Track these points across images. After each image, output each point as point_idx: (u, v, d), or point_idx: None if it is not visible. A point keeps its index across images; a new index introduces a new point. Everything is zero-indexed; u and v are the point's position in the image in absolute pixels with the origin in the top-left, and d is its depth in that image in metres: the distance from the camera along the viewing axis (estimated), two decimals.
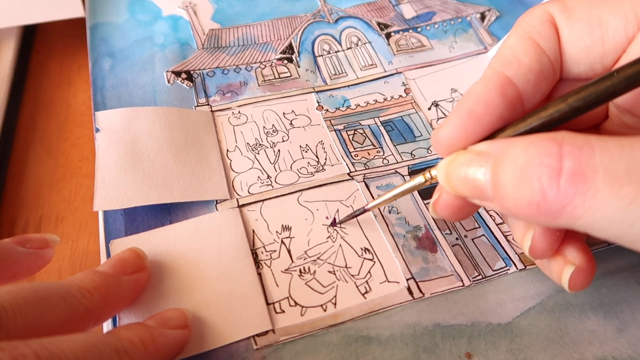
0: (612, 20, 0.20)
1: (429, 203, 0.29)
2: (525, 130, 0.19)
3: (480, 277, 0.26)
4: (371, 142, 0.32)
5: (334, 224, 0.28)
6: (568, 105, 0.18)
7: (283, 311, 0.25)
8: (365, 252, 0.27)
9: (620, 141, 0.16)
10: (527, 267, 0.27)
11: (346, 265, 0.26)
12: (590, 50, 0.21)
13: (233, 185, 0.30)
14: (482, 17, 0.41)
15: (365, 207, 0.27)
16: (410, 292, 0.26)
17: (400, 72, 0.37)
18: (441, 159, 0.22)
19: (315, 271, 0.26)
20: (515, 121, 0.20)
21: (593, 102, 0.18)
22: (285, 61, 0.37)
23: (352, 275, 0.26)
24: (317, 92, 0.35)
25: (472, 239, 0.28)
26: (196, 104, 0.34)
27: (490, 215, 0.29)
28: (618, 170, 0.15)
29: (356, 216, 0.27)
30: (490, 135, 0.20)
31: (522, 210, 0.17)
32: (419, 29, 0.40)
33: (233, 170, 0.30)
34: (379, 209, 0.29)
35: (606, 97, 0.18)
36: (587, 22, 0.21)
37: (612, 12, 0.20)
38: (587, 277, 0.21)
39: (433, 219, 0.28)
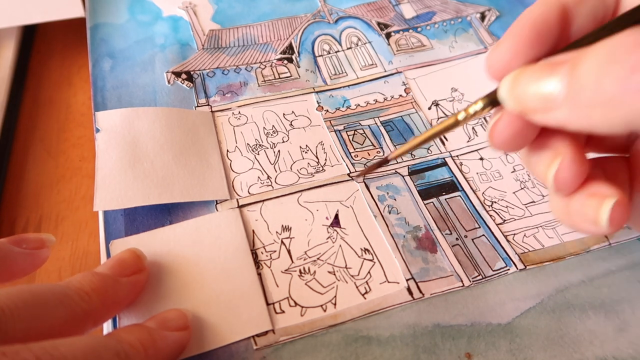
0: None
1: (429, 204, 0.29)
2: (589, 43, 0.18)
3: (480, 277, 0.26)
4: (371, 142, 0.32)
5: (334, 224, 0.28)
6: (611, 31, 0.17)
7: (283, 311, 0.25)
8: (365, 253, 0.27)
9: None
10: (527, 267, 0.27)
11: (346, 265, 0.26)
12: None
13: (233, 186, 0.30)
14: (482, 17, 0.41)
15: (388, 157, 0.24)
16: (410, 293, 0.26)
17: (400, 72, 0.37)
18: None
19: (315, 271, 0.26)
20: (576, 41, 0.19)
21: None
22: (285, 61, 0.37)
23: (352, 276, 0.26)
24: (317, 92, 0.35)
25: (472, 239, 0.28)
26: (196, 105, 0.34)
27: (490, 216, 0.29)
28: None
29: (379, 166, 0.25)
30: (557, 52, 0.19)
31: (603, 94, 0.16)
32: (419, 29, 0.40)
33: (233, 171, 0.30)
34: (379, 209, 0.29)
35: None
36: None
37: None
38: (628, 210, 0.19)
39: (433, 218, 0.28)
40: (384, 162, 0.25)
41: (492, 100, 0.20)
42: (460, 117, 0.21)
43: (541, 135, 0.20)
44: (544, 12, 0.19)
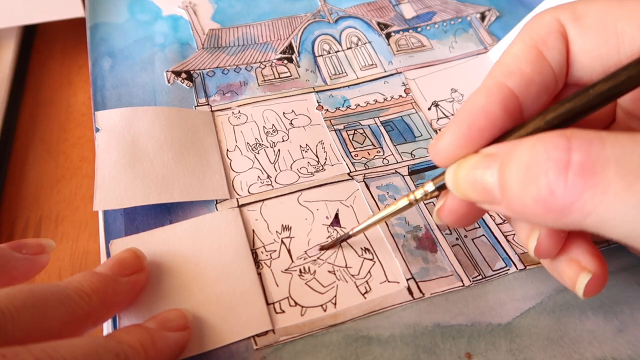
0: (627, 29, 0.19)
1: (429, 203, 0.29)
2: (533, 130, 0.19)
3: (480, 277, 0.26)
4: (371, 142, 0.32)
5: (334, 223, 0.28)
6: (546, 122, 0.19)
7: (283, 311, 0.25)
8: (365, 252, 0.27)
9: (633, 135, 0.15)
10: (527, 267, 0.27)
11: (346, 265, 0.26)
12: (604, 59, 0.20)
13: (233, 185, 0.30)
14: (482, 17, 0.41)
15: (350, 233, 0.26)
16: (410, 292, 0.26)
17: (400, 72, 0.37)
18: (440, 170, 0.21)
19: (315, 271, 0.26)
20: (522, 124, 0.20)
21: (570, 118, 0.18)
22: (285, 61, 0.37)
23: (352, 275, 0.26)
24: (317, 92, 0.35)
25: (472, 239, 0.28)
26: (196, 104, 0.34)
27: (490, 216, 0.29)
28: (631, 164, 0.14)
29: (341, 242, 0.27)
30: (499, 139, 0.20)
31: (530, 209, 0.16)
32: (419, 29, 0.40)
33: (233, 170, 0.30)
34: (379, 208, 0.29)
35: (583, 113, 0.18)
36: (601, 31, 0.20)
37: (628, 20, 0.19)
38: (603, 283, 0.20)
39: (433, 218, 0.28)
40: (347, 237, 0.26)
41: (442, 184, 0.21)
42: (412, 198, 0.23)
43: None
44: (485, 105, 0.20)
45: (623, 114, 0.22)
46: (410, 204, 0.23)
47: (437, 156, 0.21)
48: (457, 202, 0.21)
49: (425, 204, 0.29)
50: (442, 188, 0.22)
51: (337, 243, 0.27)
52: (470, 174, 0.19)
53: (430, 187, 0.22)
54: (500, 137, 0.20)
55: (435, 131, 0.33)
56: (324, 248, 0.27)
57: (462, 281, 0.26)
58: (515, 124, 0.20)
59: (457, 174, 0.20)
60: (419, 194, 0.23)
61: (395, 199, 0.29)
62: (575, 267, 0.21)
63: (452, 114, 0.34)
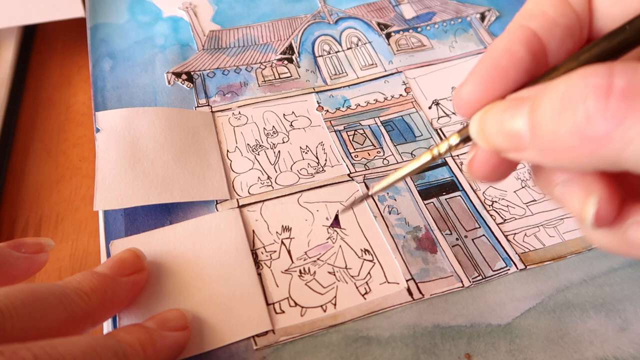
0: None
1: (429, 204, 0.29)
2: (565, 72, 0.17)
3: (480, 277, 0.26)
4: (371, 142, 0.32)
5: (334, 224, 0.28)
6: (580, 63, 0.17)
7: (283, 311, 0.25)
8: (365, 253, 0.27)
9: None
10: (528, 267, 0.27)
11: (346, 266, 0.26)
12: (626, 5, 0.19)
13: (233, 186, 0.30)
14: (482, 17, 0.40)
15: (370, 192, 0.24)
16: (410, 293, 0.25)
17: (401, 72, 0.37)
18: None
19: (315, 272, 0.26)
20: (551, 69, 0.19)
21: (605, 58, 0.17)
22: (286, 62, 0.37)
23: (352, 276, 0.26)
24: (317, 92, 0.35)
25: (472, 239, 0.28)
26: (196, 105, 0.34)
27: (491, 215, 0.29)
28: None
29: (361, 202, 0.25)
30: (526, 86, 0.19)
31: (563, 144, 0.15)
32: (419, 29, 0.40)
33: (233, 171, 0.30)
34: (379, 209, 0.29)
35: (619, 52, 0.17)
36: None
37: None
38: None
39: (433, 218, 0.28)
40: (366, 197, 0.24)
41: (467, 136, 0.20)
42: (436, 152, 0.21)
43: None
44: (508, 45, 0.19)
45: None
46: (433, 159, 0.21)
47: (460, 103, 0.20)
48: (487, 153, 0.20)
49: (425, 204, 0.29)
50: (467, 140, 0.20)
51: (356, 204, 0.25)
52: (497, 120, 0.18)
53: (454, 140, 0.20)
54: (528, 84, 0.19)
55: (436, 130, 0.33)
56: (344, 211, 0.26)
57: (461, 282, 0.26)
58: (540, 68, 0.19)
59: (482, 121, 0.19)
60: (443, 147, 0.21)
61: (395, 199, 0.29)
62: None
63: (453, 113, 0.34)
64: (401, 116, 0.34)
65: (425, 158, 0.21)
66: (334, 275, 0.26)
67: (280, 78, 0.36)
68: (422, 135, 0.33)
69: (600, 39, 0.17)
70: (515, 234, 0.28)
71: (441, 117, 0.34)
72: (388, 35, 0.39)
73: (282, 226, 0.28)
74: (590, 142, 0.15)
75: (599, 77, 0.14)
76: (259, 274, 0.26)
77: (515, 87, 0.19)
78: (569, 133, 0.15)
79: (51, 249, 0.24)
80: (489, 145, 0.19)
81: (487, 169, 0.20)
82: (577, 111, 0.15)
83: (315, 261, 0.26)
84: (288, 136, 0.32)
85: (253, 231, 0.28)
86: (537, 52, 0.19)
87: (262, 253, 0.27)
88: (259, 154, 0.31)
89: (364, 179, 0.30)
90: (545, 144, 0.16)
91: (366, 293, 0.25)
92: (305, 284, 0.26)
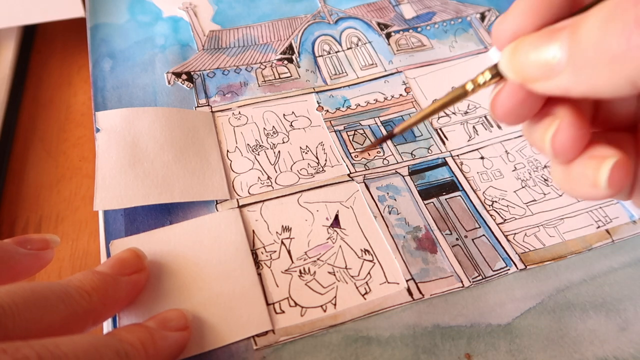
0: None
1: (429, 204, 0.29)
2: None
3: (480, 277, 0.26)
4: (371, 142, 0.32)
5: (334, 224, 0.28)
6: None
7: (283, 311, 0.25)
8: (365, 253, 0.27)
9: None
10: (528, 267, 0.27)
11: (346, 266, 0.26)
12: None
13: (233, 186, 0.30)
14: (482, 17, 0.41)
15: (395, 131, 0.22)
16: (410, 293, 0.26)
17: (401, 72, 0.37)
18: None
19: (315, 272, 0.26)
20: (584, 7, 0.18)
21: None
22: (286, 62, 0.37)
23: (352, 276, 0.26)
24: (317, 92, 0.35)
25: (472, 239, 0.28)
26: (196, 105, 0.34)
27: (491, 215, 0.29)
28: None
29: (384, 141, 0.23)
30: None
31: (609, 51, 0.15)
32: (419, 29, 0.40)
33: (233, 171, 0.30)
34: (379, 209, 0.29)
35: None
36: None
37: None
38: (627, 172, 0.18)
39: (433, 218, 0.28)
40: (390, 136, 0.23)
41: (500, 71, 0.19)
42: (469, 87, 0.20)
43: (544, 106, 0.20)
44: None
45: None
46: (465, 93, 0.20)
47: (498, 37, 0.19)
48: (512, 88, 0.20)
49: (425, 204, 0.29)
50: (498, 75, 0.20)
51: (379, 142, 0.24)
52: (531, 49, 0.18)
53: (487, 74, 0.20)
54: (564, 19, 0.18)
55: (436, 130, 0.33)
56: (365, 150, 0.24)
57: (461, 282, 0.26)
58: (579, 5, 0.18)
59: (515, 52, 0.18)
60: (480, 79, 0.20)
61: (395, 199, 0.29)
62: (598, 159, 0.19)
63: (453, 113, 0.34)
64: (401, 116, 0.34)
65: (458, 92, 0.20)
66: (334, 275, 0.26)
67: (280, 78, 0.36)
68: (422, 135, 0.33)
69: None
70: (515, 234, 0.28)
71: (441, 117, 0.34)
72: (388, 35, 0.39)
73: (282, 226, 0.28)
74: (636, 47, 0.14)
75: None
76: (259, 274, 0.26)
77: (554, 21, 0.18)
78: (614, 40, 0.15)
79: (56, 246, 0.24)
80: (519, 75, 0.18)
81: (510, 106, 0.20)
82: (626, 18, 0.14)
83: (315, 261, 0.27)
84: (288, 136, 0.32)
85: (253, 231, 0.28)
86: None
87: (262, 253, 0.27)
88: (259, 154, 0.31)
89: (364, 179, 0.30)
90: (585, 60, 0.16)
91: (366, 293, 0.25)
92: (305, 284, 0.26)
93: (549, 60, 0.17)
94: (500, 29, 0.19)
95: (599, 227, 0.28)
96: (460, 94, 0.20)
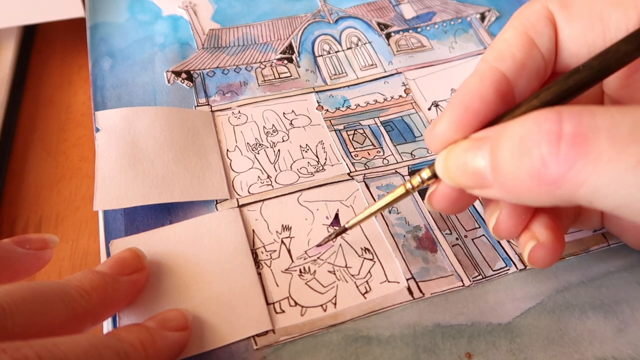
0: (613, 16, 0.20)
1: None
2: (526, 110, 0.19)
3: (480, 277, 0.26)
4: (371, 142, 0.32)
5: (334, 223, 0.28)
6: (540, 100, 0.19)
7: (283, 311, 0.25)
8: (366, 252, 0.27)
9: (621, 107, 0.15)
10: (528, 267, 0.27)
11: (346, 265, 0.26)
12: (591, 46, 0.21)
13: (233, 185, 0.30)
14: (482, 18, 0.41)
15: (346, 225, 0.25)
16: (411, 292, 0.26)
17: (400, 72, 0.37)
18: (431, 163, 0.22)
19: (315, 271, 0.26)
20: (514, 107, 0.20)
21: (564, 96, 0.19)
22: (285, 61, 0.37)
23: (352, 275, 0.26)
24: (317, 92, 0.35)
25: (472, 239, 0.28)
26: (196, 104, 0.34)
27: None
28: (621, 130, 0.15)
29: (337, 236, 0.26)
30: (490, 124, 0.20)
31: (523, 184, 0.17)
32: (419, 29, 0.40)
33: (233, 170, 0.30)
34: None
35: (576, 91, 0.18)
36: (587, 18, 0.20)
37: (614, 7, 0.20)
38: (549, 255, 0.21)
39: (433, 218, 0.28)
40: (343, 231, 0.26)
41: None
42: (409, 186, 0.23)
43: None
44: (479, 88, 0.20)
45: (610, 102, 0.23)
46: (407, 192, 0.23)
47: (433, 142, 0.21)
48: (449, 187, 0.21)
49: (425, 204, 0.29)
50: (437, 175, 0.22)
51: (333, 237, 0.26)
52: (460, 159, 0.19)
53: (426, 174, 0.22)
54: (492, 123, 0.20)
55: None
56: (320, 244, 0.27)
57: (462, 281, 0.26)
58: (507, 107, 0.20)
59: (447, 160, 0.20)
60: (415, 181, 0.22)
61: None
62: (528, 236, 0.21)
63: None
64: (401, 117, 0.34)
65: (399, 191, 0.23)
66: (334, 274, 0.26)
67: (280, 78, 0.36)
68: (421, 135, 0.33)
69: (558, 79, 0.19)
70: None
71: None
72: (388, 36, 0.39)
73: (282, 225, 0.28)
74: (547, 184, 0.16)
75: (550, 122, 0.16)
76: (259, 274, 0.26)
77: (482, 126, 0.20)
78: (527, 176, 0.16)
79: (55, 246, 0.24)
80: (454, 183, 0.20)
81: (448, 201, 0.22)
82: (533, 156, 0.16)
83: (315, 260, 0.27)
84: (288, 135, 0.32)
85: (253, 231, 0.28)
86: (506, 93, 0.20)
87: (262, 252, 0.27)
88: (258, 153, 0.31)
89: (363, 178, 0.30)
90: (506, 185, 0.17)
91: (366, 292, 0.25)
92: (306, 284, 0.26)
93: (477, 173, 0.18)
94: (430, 136, 0.21)
95: (595, 231, 0.28)
96: (403, 194, 0.23)
